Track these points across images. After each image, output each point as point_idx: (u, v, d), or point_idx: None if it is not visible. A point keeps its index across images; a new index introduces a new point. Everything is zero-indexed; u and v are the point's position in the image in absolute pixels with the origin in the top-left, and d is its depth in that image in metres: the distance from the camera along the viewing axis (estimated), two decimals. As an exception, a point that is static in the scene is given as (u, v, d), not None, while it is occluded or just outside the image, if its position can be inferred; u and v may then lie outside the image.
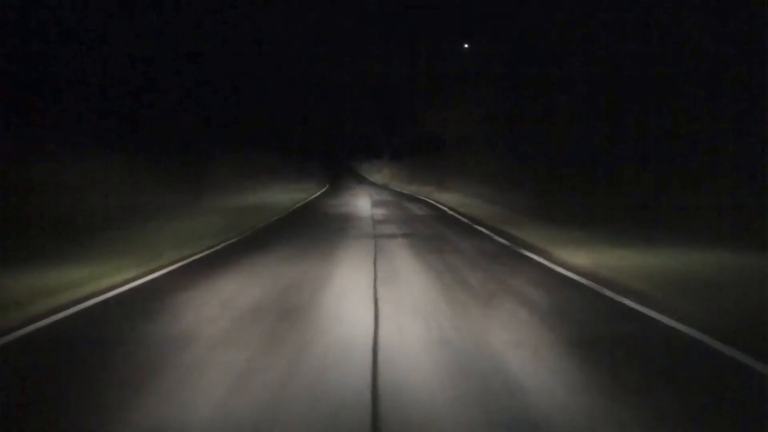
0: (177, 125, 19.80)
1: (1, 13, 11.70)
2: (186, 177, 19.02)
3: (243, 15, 28.93)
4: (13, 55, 11.79)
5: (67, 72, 13.51)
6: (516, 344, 4.07)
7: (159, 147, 17.61)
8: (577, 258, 7.75)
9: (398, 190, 34.66)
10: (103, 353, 3.97)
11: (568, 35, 17.89)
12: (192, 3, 22.06)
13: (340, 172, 56.23)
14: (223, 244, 10.03)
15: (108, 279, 6.50)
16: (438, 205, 20.87)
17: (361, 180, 51.69)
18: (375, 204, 21.48)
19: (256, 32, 31.43)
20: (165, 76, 19.29)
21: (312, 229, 13.03)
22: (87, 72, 14.23)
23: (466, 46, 29.47)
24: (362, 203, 22.07)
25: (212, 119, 24.62)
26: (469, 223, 13.96)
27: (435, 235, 11.61)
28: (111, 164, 14.27)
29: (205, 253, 8.92)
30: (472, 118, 27.98)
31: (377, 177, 52.73)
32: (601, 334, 4.41)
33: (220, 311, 5.10)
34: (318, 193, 30.65)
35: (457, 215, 16.34)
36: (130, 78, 16.70)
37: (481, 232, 11.88)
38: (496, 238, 10.65)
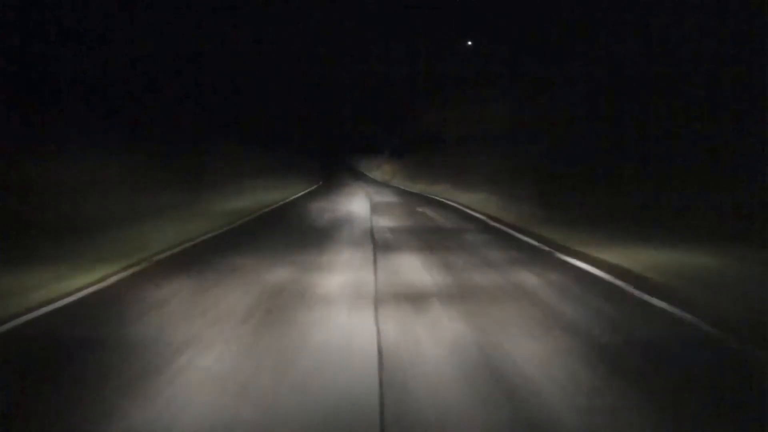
0: (177, 125, 19.80)
1: (1, 13, 11.70)
2: (187, 177, 19.02)
3: (243, 15, 28.93)
4: (13, 55, 11.79)
5: (67, 72, 13.51)
6: None
7: (159, 147, 17.60)
8: None
9: (403, 188, 29.77)
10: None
11: (569, 35, 17.89)
12: (192, 3, 22.06)
13: (337, 169, 53.54)
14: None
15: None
16: (466, 210, 15.30)
17: (360, 177, 46.43)
18: (376, 209, 16.05)
19: (256, 32, 31.43)
20: (165, 75, 19.29)
21: (238, 275, 6.57)
22: (87, 72, 14.23)
23: (469, 43, 29.29)
24: (358, 207, 16.66)
25: (212, 119, 24.63)
26: (546, 248, 8.26)
27: (509, 290, 5.66)
28: (111, 164, 14.27)
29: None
30: (487, 114, 25.69)
31: (377, 174, 47.77)
32: None
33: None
34: (303, 192, 25.80)
35: (509, 229, 10.54)
36: (130, 78, 16.70)
37: (600, 281, 6.08)
38: (654, 301, 5.17)
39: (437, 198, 20.53)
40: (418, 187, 28.31)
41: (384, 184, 34.61)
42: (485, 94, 26.26)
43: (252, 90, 31.68)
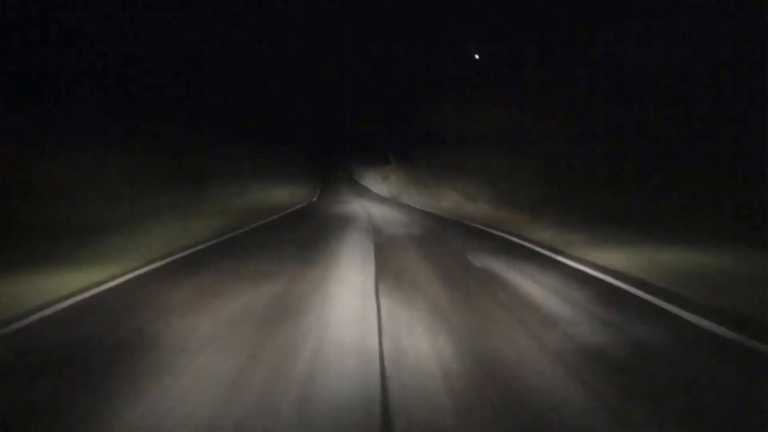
0: (177, 125, 19.81)
1: (1, 13, 11.71)
2: (187, 178, 19.03)
3: (244, 15, 28.95)
4: (13, 54, 11.80)
5: (68, 73, 13.54)
6: None
7: (158, 147, 17.62)
8: None
9: (420, 208, 19.63)
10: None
11: (570, 35, 17.90)
12: (192, 3, 22.08)
13: (336, 179, 47.34)
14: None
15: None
16: (585, 268, 6.79)
17: (362, 191, 36.56)
18: (388, 270, 6.94)
19: (257, 33, 31.46)
20: (165, 76, 19.32)
21: None
22: (87, 73, 14.25)
23: (476, 57, 28.34)
24: (354, 252, 8.57)
25: (212, 120, 24.64)
26: None
27: None
28: (111, 164, 14.28)
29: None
30: (512, 113, 20.92)
31: (382, 188, 37.06)
32: None
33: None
34: (280, 215, 16.58)
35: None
36: (130, 78, 16.73)
37: None
38: None
39: (489, 231, 11.62)
40: (443, 208, 18.91)
41: (393, 202, 24.38)
42: (498, 94, 23.84)
43: (252, 92, 31.70)
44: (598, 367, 3.40)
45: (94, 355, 3.78)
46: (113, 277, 6.47)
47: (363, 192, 34.15)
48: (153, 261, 7.71)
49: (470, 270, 7.01)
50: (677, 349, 3.81)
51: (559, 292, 5.52)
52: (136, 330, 4.32)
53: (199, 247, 9.06)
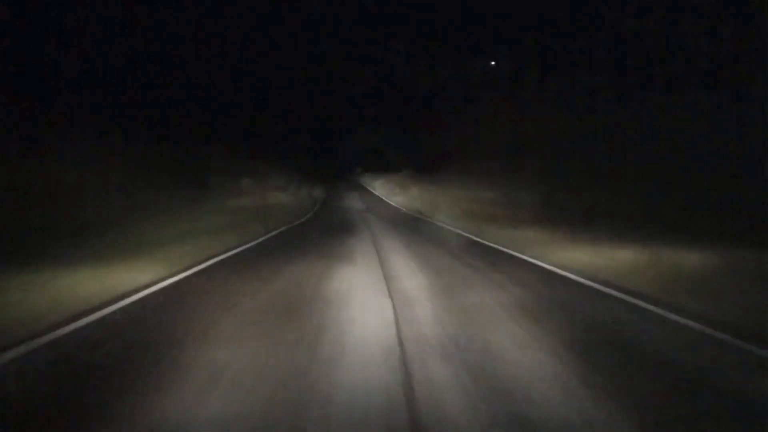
0: (177, 126, 19.78)
1: (1, 13, 11.70)
2: (187, 178, 19.00)
3: (246, 15, 28.90)
4: (13, 54, 11.79)
5: (68, 72, 13.52)
6: None
7: (158, 149, 17.59)
8: None
9: (492, 245, 10.99)
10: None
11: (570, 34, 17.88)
12: (193, 4, 22.05)
13: (338, 185, 43.05)
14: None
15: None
16: None
17: (372, 205, 29.42)
18: None
19: (259, 33, 31.39)
20: (166, 76, 19.29)
21: None
22: (88, 72, 14.24)
23: (492, 63, 27.70)
24: None
25: (213, 121, 24.57)
26: None
27: None
28: (111, 165, 14.26)
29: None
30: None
31: (399, 199, 31.70)
32: None
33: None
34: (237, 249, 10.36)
35: None
36: (130, 78, 16.71)
37: None
38: None
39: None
40: (541, 249, 9.86)
41: (438, 232, 15.16)
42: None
43: (253, 94, 31.57)
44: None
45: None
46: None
47: (378, 208, 26.18)
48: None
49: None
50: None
51: None
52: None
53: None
